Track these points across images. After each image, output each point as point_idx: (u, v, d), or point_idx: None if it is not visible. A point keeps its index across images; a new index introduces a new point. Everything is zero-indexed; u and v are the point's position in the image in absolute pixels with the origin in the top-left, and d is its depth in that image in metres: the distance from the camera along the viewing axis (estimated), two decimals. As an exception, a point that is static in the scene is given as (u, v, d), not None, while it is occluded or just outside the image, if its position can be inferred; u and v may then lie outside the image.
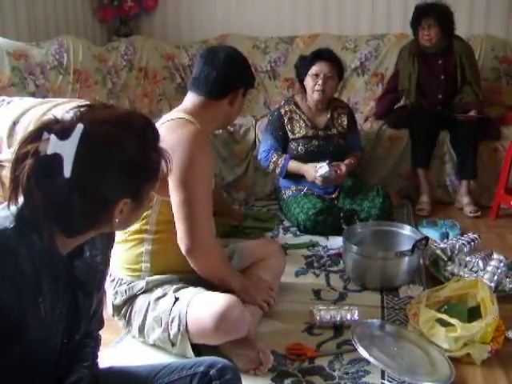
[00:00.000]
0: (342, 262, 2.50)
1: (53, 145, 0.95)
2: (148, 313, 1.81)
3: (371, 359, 1.70)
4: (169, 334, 1.76)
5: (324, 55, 3.02)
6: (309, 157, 3.05)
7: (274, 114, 3.18)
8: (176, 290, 1.81)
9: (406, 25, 3.63)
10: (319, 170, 2.93)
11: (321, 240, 2.83)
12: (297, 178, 3.08)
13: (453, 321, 1.84)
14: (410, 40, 3.53)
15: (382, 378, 1.72)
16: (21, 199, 0.98)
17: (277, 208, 3.29)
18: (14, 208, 0.98)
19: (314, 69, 3.01)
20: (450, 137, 3.32)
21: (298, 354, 1.84)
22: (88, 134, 0.97)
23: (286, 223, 3.08)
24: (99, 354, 1.31)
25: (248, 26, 4.16)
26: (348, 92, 3.97)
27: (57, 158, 0.95)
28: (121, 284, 1.86)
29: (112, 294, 1.87)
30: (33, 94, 2.97)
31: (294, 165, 3.05)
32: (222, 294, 1.77)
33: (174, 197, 1.78)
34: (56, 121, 0.99)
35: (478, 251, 2.50)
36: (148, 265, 1.86)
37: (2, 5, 3.22)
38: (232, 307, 1.70)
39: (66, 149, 0.95)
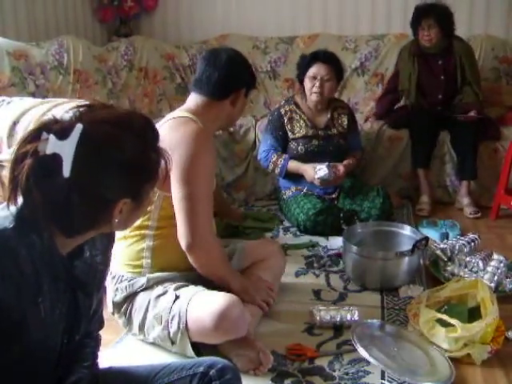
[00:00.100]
0: (342, 262, 2.50)
1: (52, 145, 0.95)
2: (148, 310, 1.81)
3: (371, 359, 1.70)
4: (169, 332, 1.76)
5: (321, 57, 3.01)
6: (309, 157, 3.05)
7: (274, 113, 3.18)
8: (176, 288, 1.81)
9: (406, 25, 3.63)
10: (318, 171, 2.93)
11: (321, 240, 2.82)
12: (296, 177, 3.08)
13: (453, 321, 1.83)
14: (410, 40, 3.53)
15: (382, 378, 1.72)
16: (20, 199, 0.98)
17: (277, 208, 3.29)
18: (13, 208, 0.98)
19: (311, 71, 3.01)
20: (450, 137, 3.32)
21: (298, 354, 1.84)
22: (87, 133, 0.97)
23: (286, 223, 3.08)
24: (99, 354, 1.31)
25: (248, 26, 4.16)
26: (348, 92, 3.97)
27: (56, 158, 0.95)
28: (121, 281, 1.87)
29: (112, 290, 1.87)
30: (33, 94, 2.97)
31: (293, 165, 3.05)
32: (223, 293, 1.77)
33: (176, 193, 1.79)
34: (55, 121, 0.99)
35: (478, 251, 2.50)
36: (149, 261, 1.87)
37: (2, 5, 3.22)
38: (232, 306, 1.70)
39: (65, 149, 0.95)
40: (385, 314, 2.11)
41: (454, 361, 1.78)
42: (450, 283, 2.13)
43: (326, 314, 2.00)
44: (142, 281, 1.85)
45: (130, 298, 1.86)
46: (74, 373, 1.18)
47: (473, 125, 3.24)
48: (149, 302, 1.82)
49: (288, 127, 3.11)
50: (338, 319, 1.99)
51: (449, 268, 2.38)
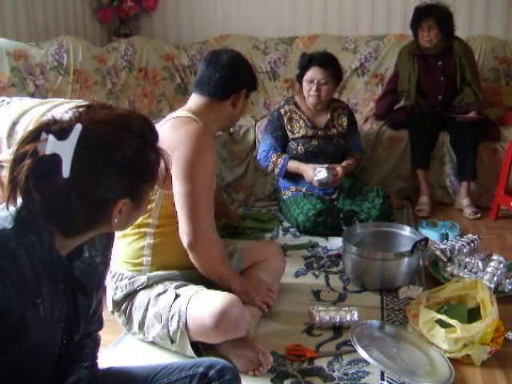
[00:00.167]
0: (341, 262, 2.50)
1: (51, 145, 0.95)
2: (148, 309, 1.81)
3: (371, 360, 1.70)
4: (168, 331, 1.76)
5: (317, 61, 3.00)
6: (308, 157, 3.06)
7: (274, 113, 3.19)
8: (177, 287, 1.82)
9: (405, 26, 3.63)
10: (318, 174, 2.93)
11: (320, 241, 2.83)
12: (296, 178, 3.08)
13: (452, 322, 1.83)
14: (410, 41, 3.53)
15: (382, 378, 1.72)
16: (20, 200, 0.98)
17: (276, 209, 3.29)
18: (12, 208, 0.98)
19: (308, 74, 3.02)
20: (450, 138, 3.32)
21: (298, 354, 1.84)
22: (86, 134, 0.97)
23: (286, 224, 3.08)
24: (99, 354, 1.31)
25: (248, 26, 4.17)
26: (348, 93, 3.97)
27: (55, 159, 0.94)
28: (121, 279, 1.87)
29: (112, 289, 1.88)
30: (32, 95, 2.97)
31: (293, 165, 3.05)
32: (223, 293, 1.77)
33: (178, 190, 1.80)
34: (54, 121, 0.99)
35: (477, 252, 2.50)
36: (149, 258, 1.87)
37: (1, 5, 3.23)
38: (232, 306, 1.70)
39: (65, 149, 0.95)
40: (384, 315, 2.11)
41: (454, 361, 1.78)
42: (449, 284, 2.13)
43: (325, 314, 2.00)
44: (143, 279, 1.85)
45: (130, 296, 1.86)
46: (74, 373, 1.18)
47: (472, 125, 3.24)
48: (149, 301, 1.82)
49: (288, 127, 3.11)
50: (338, 320, 1.99)
51: (448, 269, 2.38)
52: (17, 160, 0.96)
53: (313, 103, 3.06)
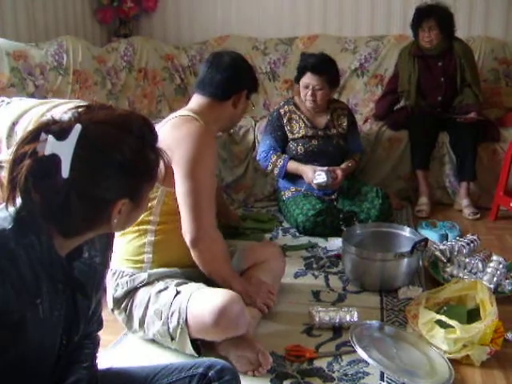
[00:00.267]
0: (341, 263, 2.50)
1: (50, 145, 0.95)
2: (149, 306, 1.82)
3: (370, 360, 1.70)
4: (168, 328, 1.76)
5: (311, 68, 3.00)
6: (308, 157, 3.06)
7: (273, 114, 3.19)
8: (178, 285, 1.83)
9: (405, 26, 3.63)
10: (317, 177, 2.94)
11: (320, 241, 2.83)
12: (295, 177, 3.09)
13: (452, 322, 1.83)
14: (410, 41, 3.53)
15: (381, 379, 1.72)
16: (19, 200, 0.97)
17: (276, 209, 3.29)
18: (12, 209, 0.98)
19: (303, 80, 3.04)
20: (450, 138, 3.33)
21: (297, 355, 1.84)
22: (86, 134, 0.96)
23: (286, 224, 3.08)
24: (98, 354, 1.31)
25: (248, 27, 4.17)
26: (347, 93, 3.97)
27: (54, 159, 0.94)
28: (122, 276, 1.87)
29: (113, 286, 1.88)
30: (32, 95, 2.97)
31: (293, 165, 3.06)
32: (223, 290, 1.78)
33: (180, 188, 1.81)
34: (54, 121, 0.99)
35: (477, 253, 2.50)
36: (150, 256, 1.88)
37: (1, 5, 3.22)
38: (232, 303, 1.70)
39: (64, 149, 0.95)
40: (384, 315, 2.11)
41: (453, 362, 1.78)
42: (449, 284, 2.13)
43: (325, 315, 2.00)
44: (143, 276, 1.86)
45: (131, 293, 1.87)
46: (73, 374, 1.18)
47: (472, 126, 3.24)
48: (149, 298, 1.82)
49: (287, 128, 3.12)
50: (337, 320, 1.99)
51: (448, 269, 2.38)
52: (16, 160, 0.95)
53: (309, 107, 3.09)
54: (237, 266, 2.07)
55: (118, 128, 1.01)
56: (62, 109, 2.19)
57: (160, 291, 1.82)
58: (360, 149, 3.27)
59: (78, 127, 0.96)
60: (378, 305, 2.19)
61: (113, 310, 1.91)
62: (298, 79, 3.10)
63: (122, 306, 1.88)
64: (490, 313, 1.85)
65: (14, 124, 2.23)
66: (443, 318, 1.87)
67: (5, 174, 0.97)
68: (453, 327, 1.82)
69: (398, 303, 2.20)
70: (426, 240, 2.31)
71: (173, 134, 1.85)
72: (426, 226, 2.96)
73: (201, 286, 1.82)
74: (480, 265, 2.33)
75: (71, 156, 0.94)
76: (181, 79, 4.09)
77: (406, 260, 2.24)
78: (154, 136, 1.09)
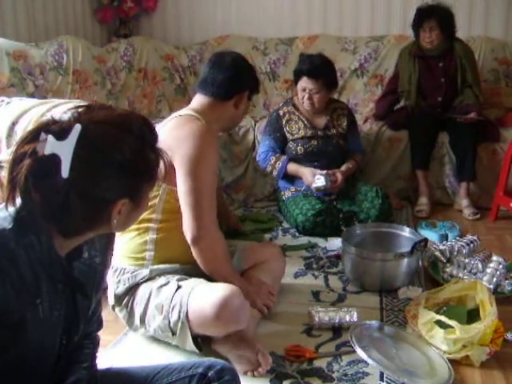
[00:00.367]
0: (340, 263, 2.50)
1: (50, 145, 0.95)
2: (150, 301, 1.82)
3: (370, 361, 1.70)
4: (169, 322, 1.77)
5: (308, 72, 2.99)
6: (308, 157, 3.06)
7: (273, 115, 3.20)
8: (179, 280, 1.83)
9: (405, 26, 3.63)
10: (317, 181, 2.94)
11: (320, 241, 2.83)
12: (295, 177, 3.09)
13: (452, 323, 1.83)
14: (411, 42, 3.53)
15: (381, 379, 1.72)
16: (19, 200, 0.97)
17: (276, 209, 3.29)
18: (11, 209, 0.98)
19: (300, 84, 3.05)
20: (450, 138, 3.33)
21: (297, 355, 1.84)
22: (86, 134, 0.97)
23: (285, 225, 3.08)
24: (98, 354, 1.31)
25: (248, 27, 4.17)
26: (347, 93, 3.97)
27: (54, 159, 0.94)
28: (124, 273, 1.88)
29: (114, 283, 1.88)
30: (32, 95, 2.97)
31: (292, 167, 3.06)
32: (224, 284, 1.78)
33: (181, 187, 1.82)
34: (54, 121, 0.99)
35: (477, 253, 2.50)
36: (152, 253, 1.88)
37: (2, 5, 3.22)
38: (233, 296, 1.71)
39: (64, 149, 0.95)
40: (384, 316, 2.11)
41: (453, 362, 1.78)
42: (448, 285, 2.13)
43: (324, 315, 2.00)
44: (145, 272, 1.87)
45: (132, 290, 1.87)
46: (73, 374, 1.18)
47: (472, 126, 3.24)
48: (150, 293, 1.83)
49: (286, 129, 3.12)
50: (337, 320, 1.99)
51: (448, 269, 2.38)
52: (16, 160, 0.95)
53: (307, 109, 3.10)
54: (237, 266, 2.07)
55: (118, 128, 1.01)
56: (61, 109, 2.19)
57: (161, 286, 1.82)
58: (360, 148, 3.27)
59: (77, 127, 0.96)
60: (378, 305, 2.19)
61: (114, 308, 1.92)
62: (295, 83, 3.11)
63: (124, 302, 1.88)
64: (489, 313, 1.85)
65: (13, 124, 2.23)
66: (443, 318, 1.87)
67: (5, 173, 0.97)
68: (452, 327, 1.82)
69: (397, 303, 2.20)
70: (425, 240, 2.31)
71: (174, 133, 1.86)
72: (425, 226, 2.96)
73: (202, 281, 1.83)
74: (480, 265, 2.33)
75: (71, 156, 0.94)
76: (181, 79, 4.09)
77: (405, 260, 2.24)
78: (153, 136, 1.09)
